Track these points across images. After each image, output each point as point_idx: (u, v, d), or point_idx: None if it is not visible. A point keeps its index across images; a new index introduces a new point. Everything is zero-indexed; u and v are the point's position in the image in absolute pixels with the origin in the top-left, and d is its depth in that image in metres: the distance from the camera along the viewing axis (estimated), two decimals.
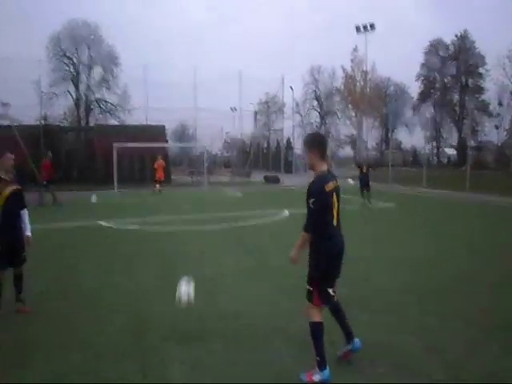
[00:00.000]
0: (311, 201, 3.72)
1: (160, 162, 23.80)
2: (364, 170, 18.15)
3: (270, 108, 52.19)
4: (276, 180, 31.11)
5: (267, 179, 32.39)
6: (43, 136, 28.41)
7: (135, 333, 4.91)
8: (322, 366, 3.75)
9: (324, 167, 3.88)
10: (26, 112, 36.07)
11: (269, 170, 41.11)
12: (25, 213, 5.26)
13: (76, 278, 7.01)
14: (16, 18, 72.96)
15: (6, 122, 30.33)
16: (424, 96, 62.68)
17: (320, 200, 3.74)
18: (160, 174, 23.65)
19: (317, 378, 3.73)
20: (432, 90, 62.45)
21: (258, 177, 33.18)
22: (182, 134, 62.14)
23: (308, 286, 3.85)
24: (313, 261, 3.83)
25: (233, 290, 6.45)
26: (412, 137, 65.81)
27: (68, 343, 4.63)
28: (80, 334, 4.87)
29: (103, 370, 4.06)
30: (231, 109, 41.04)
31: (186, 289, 4.27)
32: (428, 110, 61.63)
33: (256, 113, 53.17)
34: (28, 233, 5.30)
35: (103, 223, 12.59)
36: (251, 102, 49.67)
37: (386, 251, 9.05)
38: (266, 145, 56.89)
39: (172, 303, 4.53)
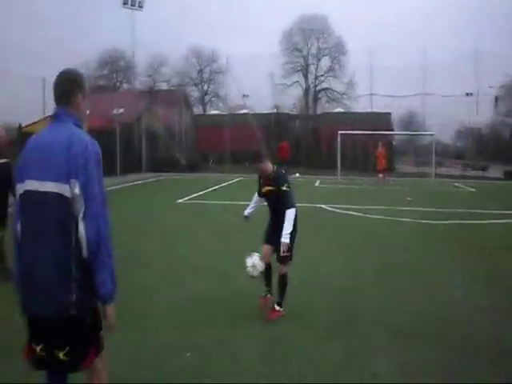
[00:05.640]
0: None
1: (380, 150, 22.15)
2: None
3: None
4: None
5: (508, 175, 27.81)
6: (274, 123, 30.75)
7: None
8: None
9: None
10: (261, 102, 39.67)
11: (511, 165, 35.61)
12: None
13: None
14: (250, 22, 79.55)
15: (244, 111, 34.00)
16: None
17: None
18: (381, 163, 22.01)
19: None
20: None
21: (496, 172, 28.99)
22: (410, 121, 59.29)
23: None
24: None
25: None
26: None
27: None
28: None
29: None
30: (466, 94, 36.91)
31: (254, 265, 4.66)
32: None
33: (497, 98, 46.59)
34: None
35: (325, 206, 13.07)
36: (491, 85, 43.49)
37: None
38: (508, 135, 49.58)
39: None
